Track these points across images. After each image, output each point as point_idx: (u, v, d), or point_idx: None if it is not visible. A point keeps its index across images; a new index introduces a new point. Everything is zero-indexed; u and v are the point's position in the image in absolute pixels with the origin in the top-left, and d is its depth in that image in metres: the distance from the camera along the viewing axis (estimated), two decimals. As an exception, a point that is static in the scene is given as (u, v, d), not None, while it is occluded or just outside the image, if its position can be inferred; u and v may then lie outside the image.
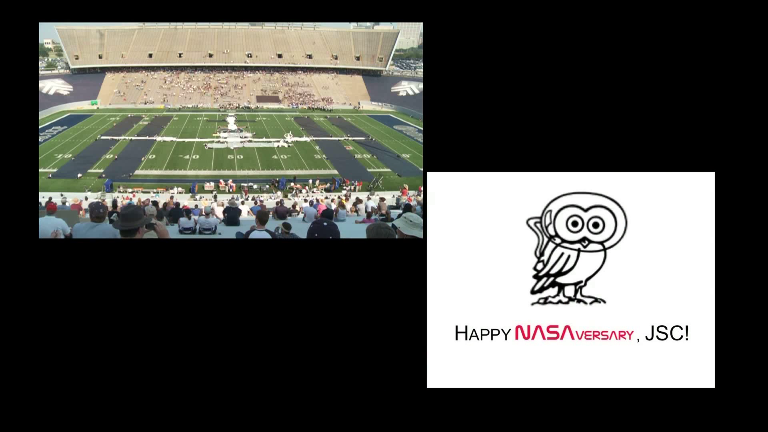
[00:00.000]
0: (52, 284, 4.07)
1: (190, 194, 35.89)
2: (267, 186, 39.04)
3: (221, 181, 39.25)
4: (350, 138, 60.33)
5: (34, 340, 4.02)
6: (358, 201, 22.15)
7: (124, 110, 79.50)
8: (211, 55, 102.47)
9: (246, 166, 46.08)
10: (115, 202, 21.50)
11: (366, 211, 18.66)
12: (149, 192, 35.52)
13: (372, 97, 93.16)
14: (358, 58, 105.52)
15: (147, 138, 56.80)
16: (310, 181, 40.47)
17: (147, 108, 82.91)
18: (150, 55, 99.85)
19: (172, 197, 28.16)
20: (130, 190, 36.53)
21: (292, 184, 39.43)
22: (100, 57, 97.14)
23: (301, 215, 19.02)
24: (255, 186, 38.74)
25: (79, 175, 40.49)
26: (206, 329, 4.00)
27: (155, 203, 18.93)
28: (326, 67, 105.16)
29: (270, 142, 55.93)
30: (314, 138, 59.25)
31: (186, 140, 56.17)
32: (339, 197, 30.28)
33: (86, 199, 27.22)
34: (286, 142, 55.63)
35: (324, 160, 49.23)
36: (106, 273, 4.09)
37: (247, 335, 3.98)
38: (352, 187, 38.81)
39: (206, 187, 38.17)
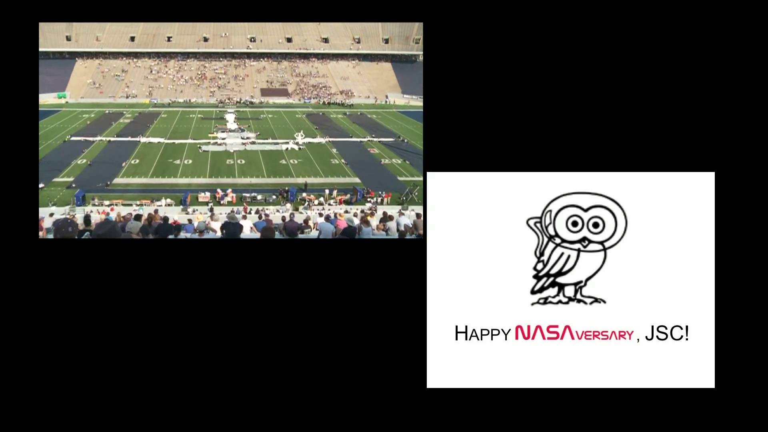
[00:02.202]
0: (52, 284, 5.16)
1: (182, 207, 36.23)
2: (274, 197, 39.45)
3: (219, 190, 39.69)
4: (375, 139, 61.38)
5: (34, 339, 5.10)
6: (388, 217, 21.74)
7: (101, 105, 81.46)
8: (206, 39, 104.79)
9: (248, 172, 46.83)
10: (87, 219, 20.72)
11: (398, 230, 18.40)
12: (131, 205, 35.84)
13: (403, 89, 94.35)
14: (386, 41, 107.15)
15: (129, 139, 57.98)
16: (326, 191, 40.69)
17: (129, 103, 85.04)
18: (132, 39, 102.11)
19: (156, 211, 28.57)
20: (107, 202, 36.28)
21: (305, 194, 39.93)
22: (68, 39, 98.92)
23: (315, 232, 19.35)
24: (259, 197, 39.24)
25: (42, 185, 40.32)
26: (207, 329, 5.06)
27: (138, 218, 19.33)
28: (346, 53, 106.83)
29: (277, 143, 56.91)
30: (331, 139, 60.22)
31: (176, 142, 57.37)
32: (362, 212, 29.72)
33: (51, 215, 27.12)
34: (297, 143, 56.60)
35: (343, 165, 49.94)
36: (107, 273, 5.18)
37: (248, 335, 5.03)
38: (379, 200, 39.14)
39: (201, 198, 38.55)
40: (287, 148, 55.22)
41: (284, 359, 5.01)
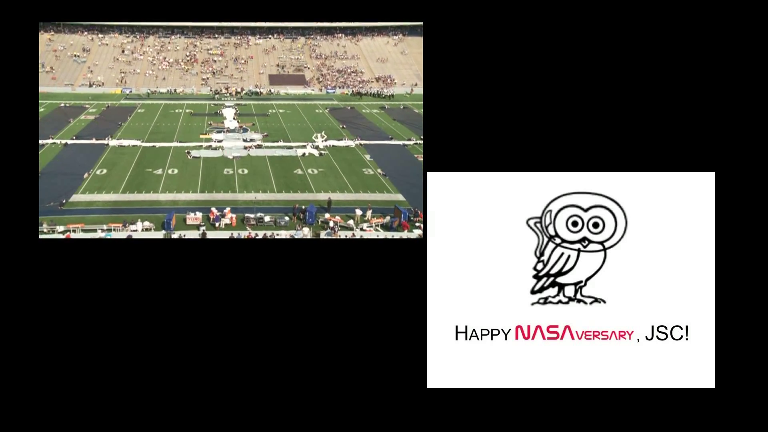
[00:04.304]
0: (51, 283, 6.97)
1: (164, 231, 37.03)
2: (286, 218, 39.74)
3: (213, 210, 39.97)
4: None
5: (34, 338, 6.88)
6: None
7: (53, 96, 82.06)
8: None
9: (253, 186, 47.53)
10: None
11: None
12: (95, 230, 36.44)
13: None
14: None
15: (93, 142, 59.17)
16: (358, 211, 40.49)
17: (93, 93, 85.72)
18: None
19: (131, 237, 28.00)
20: (61, 228, 37.19)
21: (327, 215, 40.24)
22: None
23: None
24: (267, 218, 39.50)
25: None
26: (208, 329, 6.86)
27: (108, 246, 19.87)
28: (385, 26, 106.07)
29: (291, 147, 58.00)
30: (363, 141, 61.21)
31: (157, 145, 58.56)
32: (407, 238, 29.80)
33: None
34: (317, 147, 57.57)
35: (380, 176, 50.57)
36: (107, 273, 7.01)
37: (248, 335, 6.83)
38: (432, 225, 37.92)
39: (189, 219, 38.99)
40: (304, 154, 55.94)
41: (285, 359, 6.76)
